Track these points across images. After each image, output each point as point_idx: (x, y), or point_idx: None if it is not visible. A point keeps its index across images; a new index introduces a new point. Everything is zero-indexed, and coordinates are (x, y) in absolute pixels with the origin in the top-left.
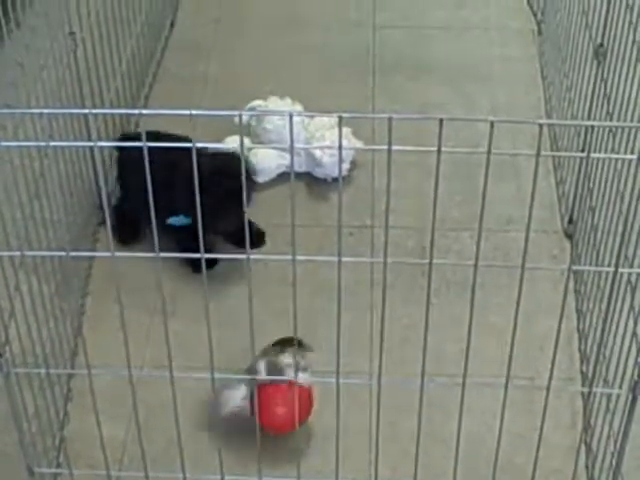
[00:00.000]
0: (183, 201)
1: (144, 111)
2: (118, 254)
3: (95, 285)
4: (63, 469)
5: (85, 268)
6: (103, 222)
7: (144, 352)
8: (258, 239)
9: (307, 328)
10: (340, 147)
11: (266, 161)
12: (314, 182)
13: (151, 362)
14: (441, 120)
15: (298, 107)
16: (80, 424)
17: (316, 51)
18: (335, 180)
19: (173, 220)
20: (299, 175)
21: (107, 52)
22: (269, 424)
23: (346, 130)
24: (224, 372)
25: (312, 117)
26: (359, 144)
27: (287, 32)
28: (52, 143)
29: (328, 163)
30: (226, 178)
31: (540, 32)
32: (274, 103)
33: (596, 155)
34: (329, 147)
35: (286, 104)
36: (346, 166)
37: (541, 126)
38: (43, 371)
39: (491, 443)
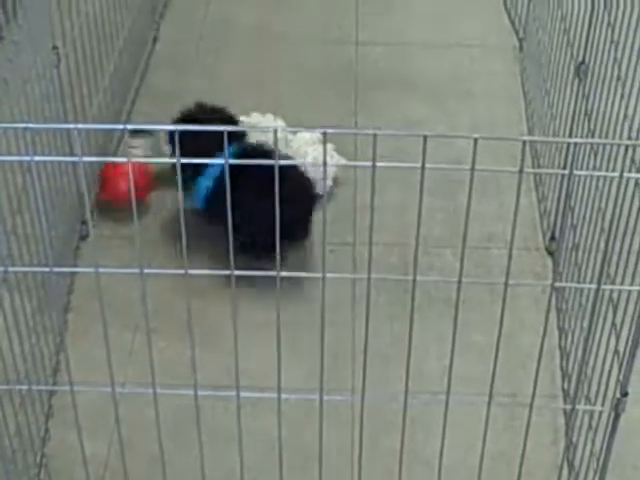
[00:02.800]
0: None
1: (129, 126)
2: (102, 270)
3: (77, 301)
4: None
5: (67, 284)
6: (85, 236)
7: (126, 369)
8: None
9: (289, 344)
10: (325, 164)
11: None
12: None
13: (133, 379)
14: (425, 137)
15: (280, 123)
16: (61, 441)
17: (298, 68)
18: None
19: None
20: None
21: (90, 67)
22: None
23: (329, 147)
24: (207, 389)
25: (295, 134)
26: (342, 161)
27: (269, 49)
28: (36, 158)
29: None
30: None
31: (522, 49)
32: (256, 119)
33: (579, 172)
34: (314, 164)
35: (268, 120)
36: (328, 183)
37: (524, 143)
38: (25, 388)
39: (473, 461)
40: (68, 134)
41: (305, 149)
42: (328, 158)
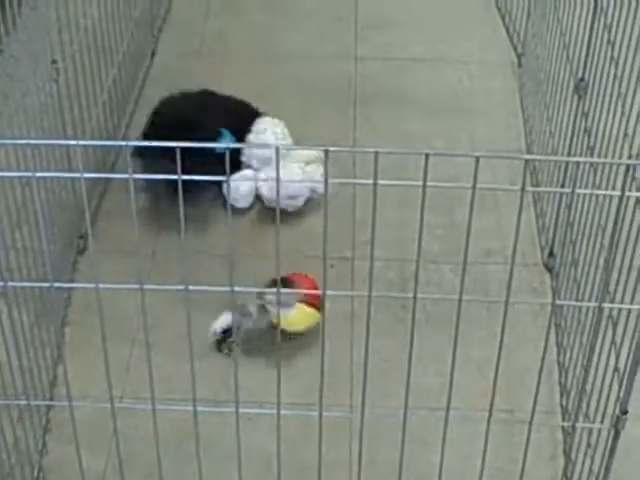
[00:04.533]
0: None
1: (131, 143)
2: (102, 286)
3: (74, 315)
4: None
5: (65, 297)
6: (83, 250)
7: (124, 383)
8: None
9: (287, 360)
10: (326, 182)
11: (245, 185)
12: (295, 212)
13: (130, 393)
14: (427, 155)
15: (285, 130)
16: (59, 455)
17: (297, 82)
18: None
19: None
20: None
21: (89, 81)
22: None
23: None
24: (205, 404)
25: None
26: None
27: (268, 63)
28: (38, 174)
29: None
30: None
31: (520, 65)
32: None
33: (581, 191)
34: (318, 182)
35: (274, 124)
36: (301, 200)
37: (526, 162)
38: (24, 402)
39: (471, 477)
40: (67, 147)
41: (295, 168)
42: (318, 174)
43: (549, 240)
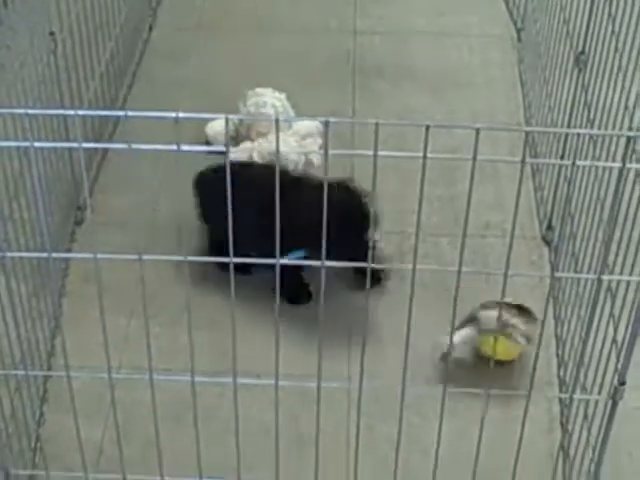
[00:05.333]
0: (307, 236)
1: (130, 113)
2: (100, 256)
3: (71, 286)
4: (39, 470)
5: (62, 268)
6: (81, 222)
7: (121, 354)
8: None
9: (288, 332)
10: (326, 152)
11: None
12: None
13: (128, 364)
14: (427, 127)
15: (286, 102)
16: (56, 425)
17: (297, 55)
18: None
19: (292, 256)
20: None
21: (86, 53)
22: None
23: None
24: (203, 375)
25: (290, 126)
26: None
27: (268, 37)
28: (36, 144)
29: None
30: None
31: (520, 39)
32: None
33: (581, 163)
34: (317, 152)
35: (275, 97)
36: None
37: (527, 134)
38: (22, 372)
39: (469, 449)
40: (64, 118)
41: (292, 142)
42: (315, 147)
43: (547, 213)
